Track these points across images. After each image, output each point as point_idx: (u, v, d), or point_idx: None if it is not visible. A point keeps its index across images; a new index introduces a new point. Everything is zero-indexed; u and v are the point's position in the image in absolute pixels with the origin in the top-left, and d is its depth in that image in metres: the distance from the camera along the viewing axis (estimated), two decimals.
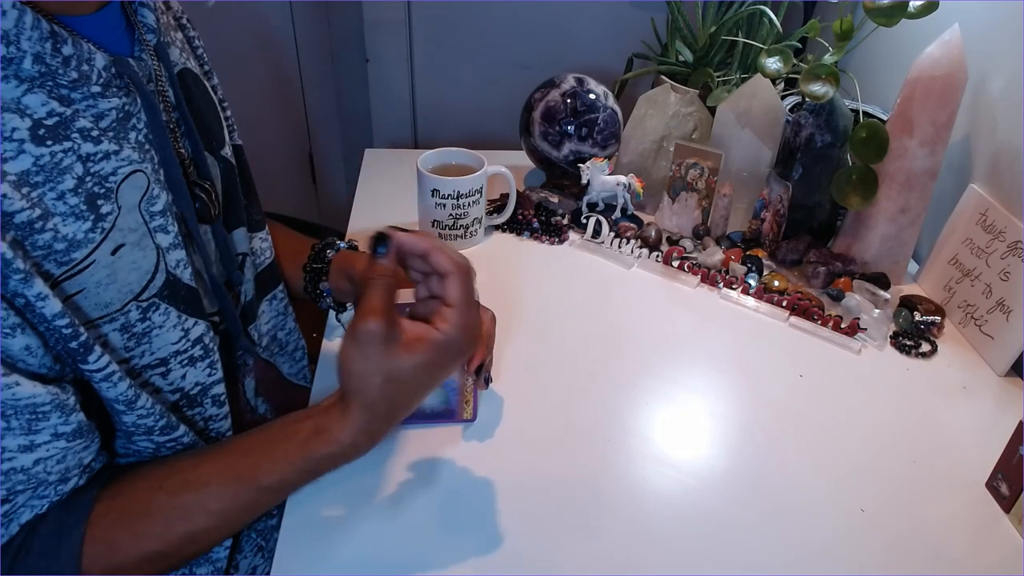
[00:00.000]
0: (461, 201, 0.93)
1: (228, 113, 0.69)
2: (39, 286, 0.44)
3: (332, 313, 0.80)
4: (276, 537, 0.60)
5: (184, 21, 0.66)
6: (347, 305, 0.78)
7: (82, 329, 0.47)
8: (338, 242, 0.78)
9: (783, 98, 0.99)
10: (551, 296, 0.90)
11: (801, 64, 0.94)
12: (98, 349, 0.48)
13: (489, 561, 0.58)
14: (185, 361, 0.56)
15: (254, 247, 0.71)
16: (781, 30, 1.06)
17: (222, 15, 1.63)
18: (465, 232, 0.96)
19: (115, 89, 0.50)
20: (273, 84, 1.81)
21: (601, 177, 1.00)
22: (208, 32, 0.69)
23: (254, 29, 1.73)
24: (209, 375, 0.58)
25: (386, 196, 1.08)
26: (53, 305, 0.45)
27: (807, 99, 0.89)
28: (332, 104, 1.80)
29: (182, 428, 0.56)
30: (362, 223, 1.03)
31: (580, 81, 1.05)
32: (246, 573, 0.70)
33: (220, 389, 0.60)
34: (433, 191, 0.92)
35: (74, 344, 0.47)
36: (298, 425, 0.54)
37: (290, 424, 0.55)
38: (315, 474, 0.54)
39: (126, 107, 0.51)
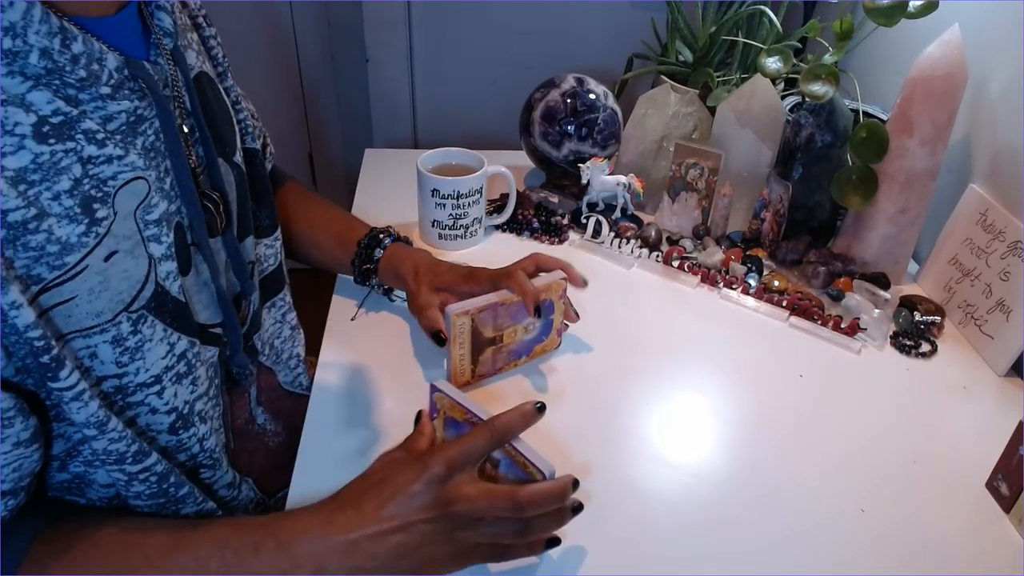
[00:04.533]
0: (461, 201, 0.93)
1: (242, 115, 0.67)
2: (14, 294, 0.42)
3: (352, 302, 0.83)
4: None
5: (200, 20, 0.64)
6: (394, 291, 0.85)
7: (54, 343, 0.45)
8: (384, 238, 0.81)
9: (783, 98, 0.99)
10: None
11: (801, 64, 0.94)
12: (69, 365, 0.46)
13: None
14: (174, 378, 0.54)
15: (259, 254, 0.69)
16: (781, 30, 1.06)
17: (222, 15, 1.63)
18: (465, 232, 0.96)
19: (127, 92, 0.49)
20: (273, 84, 1.81)
21: (601, 177, 1.00)
22: None
23: (254, 29, 1.73)
24: (192, 391, 0.56)
25: (386, 196, 1.08)
26: (27, 315, 0.43)
27: (807, 99, 0.89)
28: (332, 104, 1.80)
29: (154, 456, 0.53)
30: None
31: (580, 81, 1.05)
32: None
33: (202, 404, 0.58)
34: (433, 191, 0.92)
35: (45, 358, 0.44)
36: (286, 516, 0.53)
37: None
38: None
39: (138, 111, 0.50)
